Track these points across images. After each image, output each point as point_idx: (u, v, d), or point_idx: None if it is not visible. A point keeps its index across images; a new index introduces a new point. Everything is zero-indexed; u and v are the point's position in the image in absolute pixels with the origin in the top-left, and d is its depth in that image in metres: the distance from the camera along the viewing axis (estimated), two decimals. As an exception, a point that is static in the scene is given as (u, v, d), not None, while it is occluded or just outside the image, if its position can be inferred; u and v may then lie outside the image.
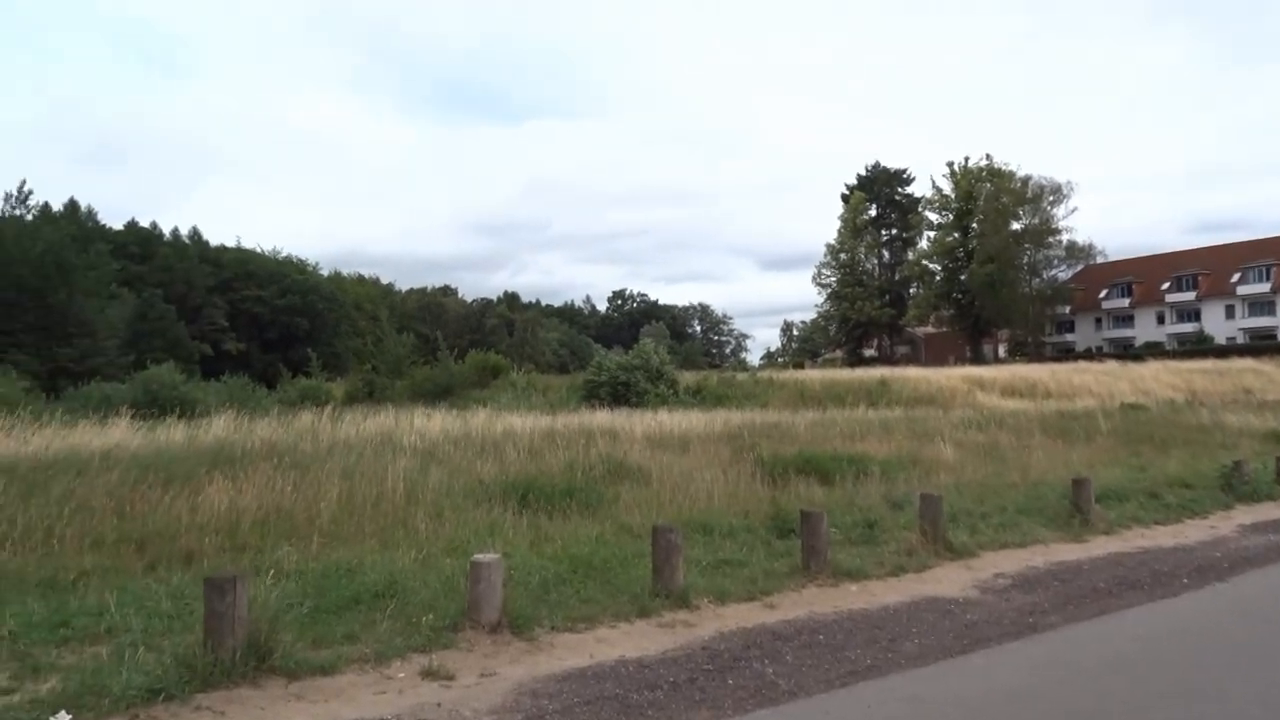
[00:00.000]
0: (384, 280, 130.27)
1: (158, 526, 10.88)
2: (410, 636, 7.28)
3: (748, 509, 12.92)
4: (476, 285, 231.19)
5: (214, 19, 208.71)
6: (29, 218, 75.13)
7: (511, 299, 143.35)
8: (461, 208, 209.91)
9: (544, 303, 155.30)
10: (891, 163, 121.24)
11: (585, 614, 8.08)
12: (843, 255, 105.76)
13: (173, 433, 19.58)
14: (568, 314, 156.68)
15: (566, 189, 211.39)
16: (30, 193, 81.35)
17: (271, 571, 9.29)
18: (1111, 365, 56.96)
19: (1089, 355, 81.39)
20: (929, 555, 10.64)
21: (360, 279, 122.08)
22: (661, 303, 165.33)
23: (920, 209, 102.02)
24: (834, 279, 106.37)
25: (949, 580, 9.87)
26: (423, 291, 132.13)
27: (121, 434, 18.66)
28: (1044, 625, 8.17)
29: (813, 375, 54.12)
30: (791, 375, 53.62)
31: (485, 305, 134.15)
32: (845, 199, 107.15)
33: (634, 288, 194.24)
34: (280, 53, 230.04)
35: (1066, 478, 15.08)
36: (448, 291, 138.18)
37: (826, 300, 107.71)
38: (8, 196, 79.48)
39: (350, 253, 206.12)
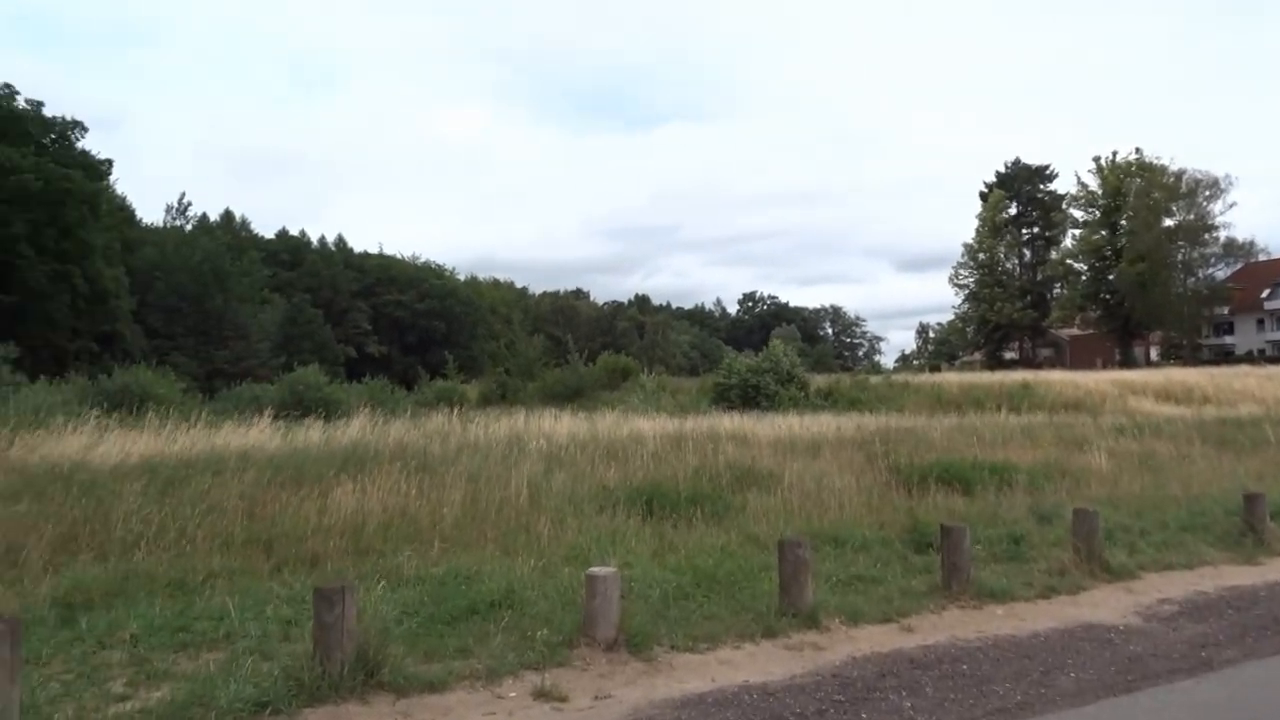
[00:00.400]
0: (518, 284, 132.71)
1: (286, 528, 10.89)
2: (524, 652, 6.93)
3: (882, 520, 12.22)
4: (608, 288, 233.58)
5: (363, 40, 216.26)
6: (188, 228, 78.93)
7: (642, 302, 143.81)
8: (594, 212, 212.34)
9: (674, 305, 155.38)
10: (1032, 159, 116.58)
11: (707, 632, 7.60)
12: (981, 255, 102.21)
13: (310, 433, 19.96)
14: (698, 316, 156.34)
15: (698, 192, 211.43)
16: (189, 204, 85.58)
17: (390, 578, 9.16)
18: (1276, 370, 53.25)
19: (1250, 359, 76.40)
20: (1083, 576, 9.76)
21: (495, 283, 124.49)
22: (792, 305, 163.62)
23: (1064, 206, 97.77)
24: (972, 280, 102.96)
25: (1107, 605, 9.00)
26: (555, 295, 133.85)
27: (261, 434, 19.09)
28: (1220, 661, 7.29)
29: (950, 378, 52.26)
30: (927, 379, 51.91)
31: (616, 308, 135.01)
32: (984, 197, 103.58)
33: (765, 290, 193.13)
34: (424, 70, 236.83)
35: (1233, 492, 13.83)
36: (579, 295, 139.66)
37: (964, 301, 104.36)
38: (169, 208, 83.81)
39: (486, 258, 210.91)
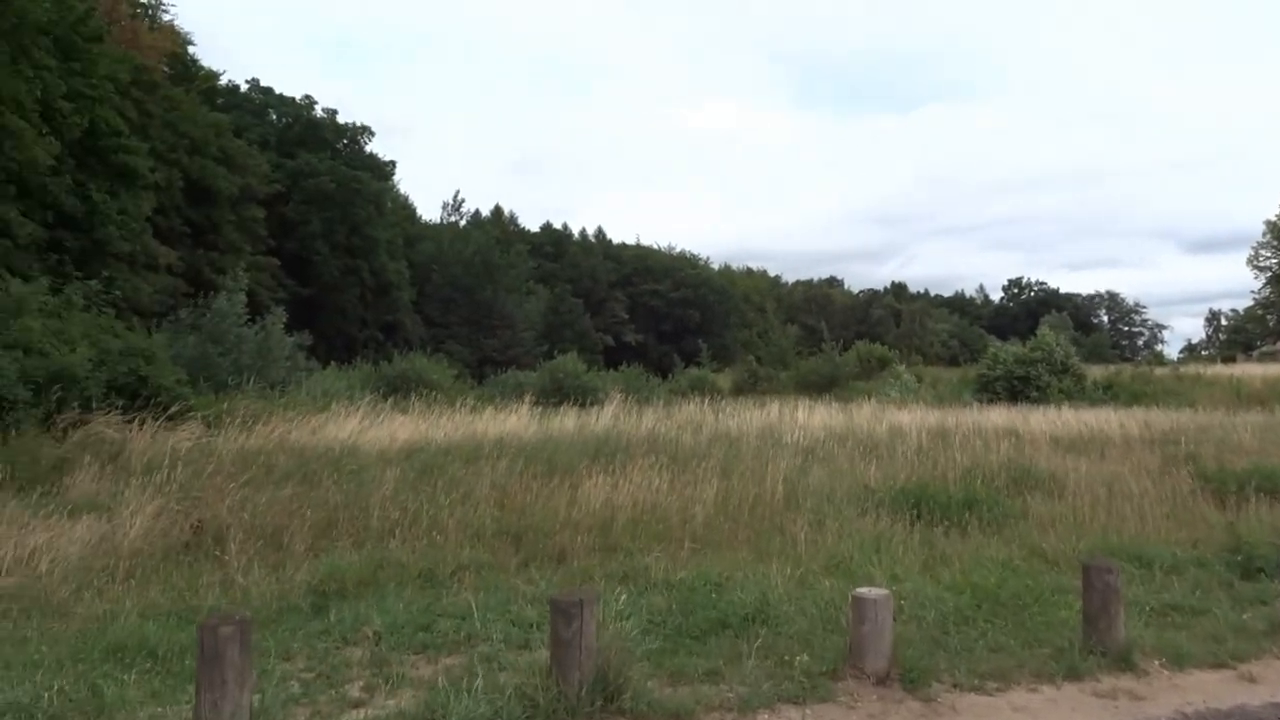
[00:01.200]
0: (771, 273, 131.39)
1: (535, 520, 10.53)
2: (781, 681, 6.05)
3: (1194, 537, 10.44)
4: (863, 276, 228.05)
5: (624, 39, 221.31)
6: (462, 224, 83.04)
7: (899, 289, 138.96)
8: (851, 199, 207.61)
9: (933, 293, 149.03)
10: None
11: (996, 668, 6.43)
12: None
13: (565, 421, 19.91)
14: (958, 304, 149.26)
15: (959, 175, 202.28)
16: (463, 201, 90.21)
17: (637, 580, 8.53)
18: None
19: None
20: None
21: (749, 272, 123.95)
22: (1063, 291, 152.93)
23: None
24: (1275, 261, 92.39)
25: None
26: (809, 283, 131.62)
27: (519, 421, 19.19)
28: None
29: (1251, 370, 46.75)
30: (1222, 370, 46.68)
31: (872, 296, 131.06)
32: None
33: (1031, 275, 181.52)
34: (682, 65, 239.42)
35: None
36: (834, 283, 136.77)
37: (1265, 285, 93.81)
38: (445, 205, 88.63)
39: (740, 247, 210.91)
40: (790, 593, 7.88)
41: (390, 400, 23.28)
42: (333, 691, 5.93)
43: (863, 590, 6.21)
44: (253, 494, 10.74)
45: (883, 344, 62.39)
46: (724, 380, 49.83)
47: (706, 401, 26.81)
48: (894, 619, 6.35)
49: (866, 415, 22.18)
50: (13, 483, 14.74)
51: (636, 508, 11.12)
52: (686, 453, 14.36)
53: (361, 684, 6.05)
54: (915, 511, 11.02)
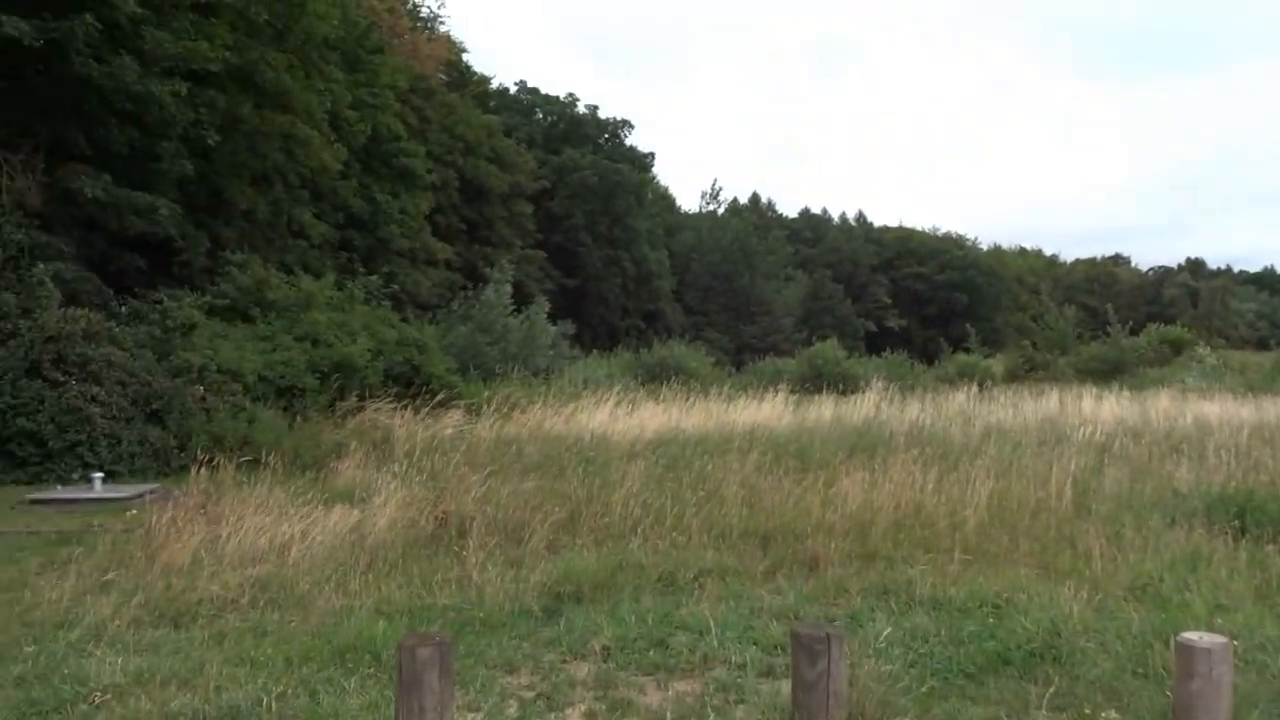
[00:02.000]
0: (1047, 251, 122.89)
1: (785, 521, 9.63)
2: (1081, 744, 4.86)
3: None
4: (1152, 253, 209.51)
5: (884, 12, 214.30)
6: (720, 212, 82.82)
7: (1195, 266, 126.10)
8: (1137, 170, 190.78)
9: (1236, 269, 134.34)
10: None
11: (1376, 743, 4.93)
12: None
13: (821, 410, 18.83)
14: (1267, 280, 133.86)
15: (1265, 138, 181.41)
16: (720, 189, 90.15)
17: (898, 596, 7.45)
18: None
19: None
20: None
21: (1021, 251, 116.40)
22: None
23: None
24: None
25: None
26: (1090, 262, 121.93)
27: (772, 410, 18.30)
28: None
29: None
30: None
31: (1163, 274, 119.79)
32: None
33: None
34: (942, 40, 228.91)
35: None
36: (1119, 260, 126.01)
37: None
38: (703, 194, 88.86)
39: (1012, 225, 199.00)
40: (1087, 623, 6.55)
41: (644, 388, 23.06)
42: (552, 716, 5.31)
43: (1191, 636, 4.87)
44: (498, 485, 10.48)
45: (1179, 325, 56.48)
46: (996, 366, 46.62)
47: (976, 390, 24.85)
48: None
49: (1164, 406, 19.63)
50: (296, 465, 15.49)
51: (898, 510, 9.98)
52: (955, 448, 13.00)
53: (584, 709, 5.39)
54: (1239, 524, 9.20)
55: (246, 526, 8.66)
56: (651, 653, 6.22)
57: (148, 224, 18.15)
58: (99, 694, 5.32)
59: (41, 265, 15.65)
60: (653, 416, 18.07)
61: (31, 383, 14.65)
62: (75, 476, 13.79)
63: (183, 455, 15.66)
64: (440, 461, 12.11)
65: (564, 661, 6.16)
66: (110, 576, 7.94)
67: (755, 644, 6.42)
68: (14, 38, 15.21)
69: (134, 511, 10.40)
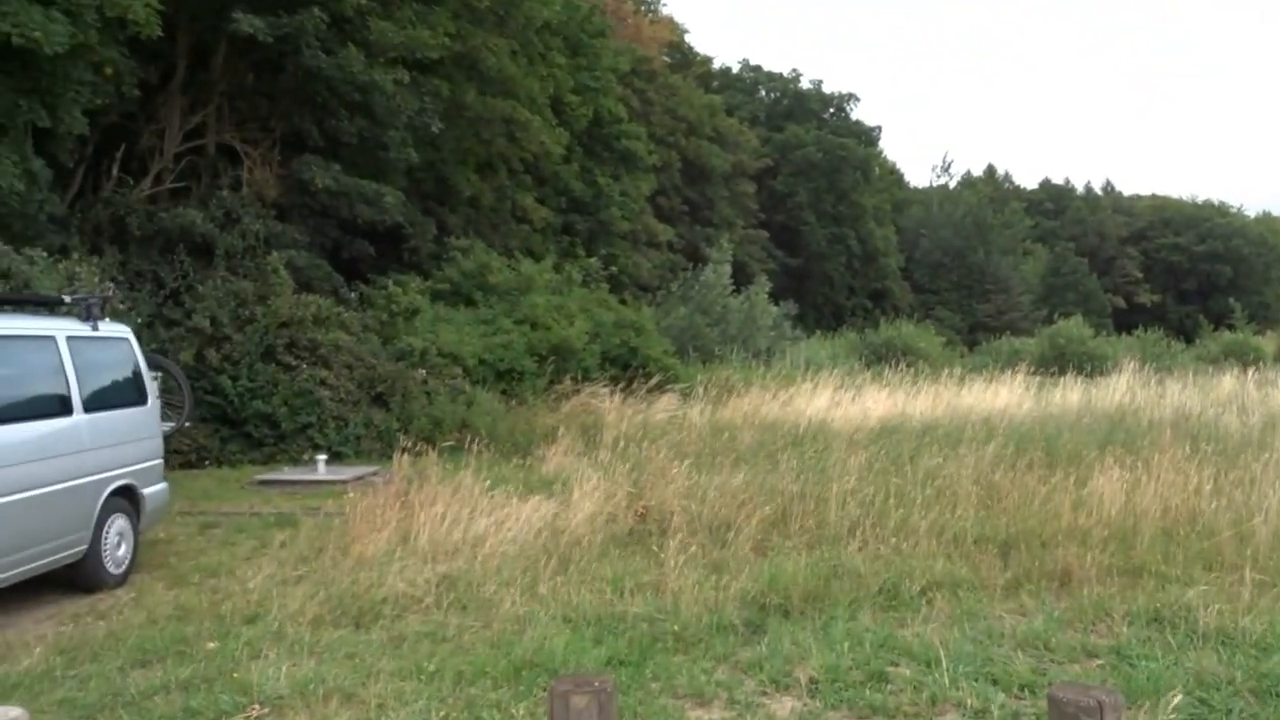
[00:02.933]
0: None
1: (1029, 526, 8.32)
2: None
3: None
4: None
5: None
6: (951, 185, 78.77)
7: None
8: None
9: None
10: None
11: None
12: None
13: (1067, 394, 16.93)
14: None
15: None
16: (952, 162, 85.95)
17: (1174, 626, 6.10)
18: None
19: None
20: None
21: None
22: None
23: None
24: None
25: None
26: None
27: (1010, 395, 16.59)
28: None
29: None
30: None
31: None
32: None
33: None
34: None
35: None
36: None
37: None
38: (933, 168, 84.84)
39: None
40: None
41: (869, 370, 21.69)
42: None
43: None
44: (706, 478, 9.68)
45: None
46: (1267, 345, 41.64)
47: (1248, 371, 21.90)
48: None
49: None
50: (510, 449, 15.33)
51: (1168, 515, 8.45)
52: (1234, 441, 11.08)
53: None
54: None
55: (442, 517, 8.27)
56: (867, 689, 5.23)
57: (376, 212, 18.53)
58: (257, 706, 4.92)
59: (275, 253, 16.18)
60: (877, 401, 16.80)
61: (266, 366, 15.16)
62: (305, 458, 14.10)
63: (405, 438, 15.82)
64: (649, 450, 11.44)
65: (763, 694, 5.28)
66: (303, 570, 7.75)
67: (995, 682, 5.31)
68: (251, 35, 15.73)
69: (351, 494, 10.30)
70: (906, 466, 10.06)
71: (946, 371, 19.81)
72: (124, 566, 8.05)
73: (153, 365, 9.46)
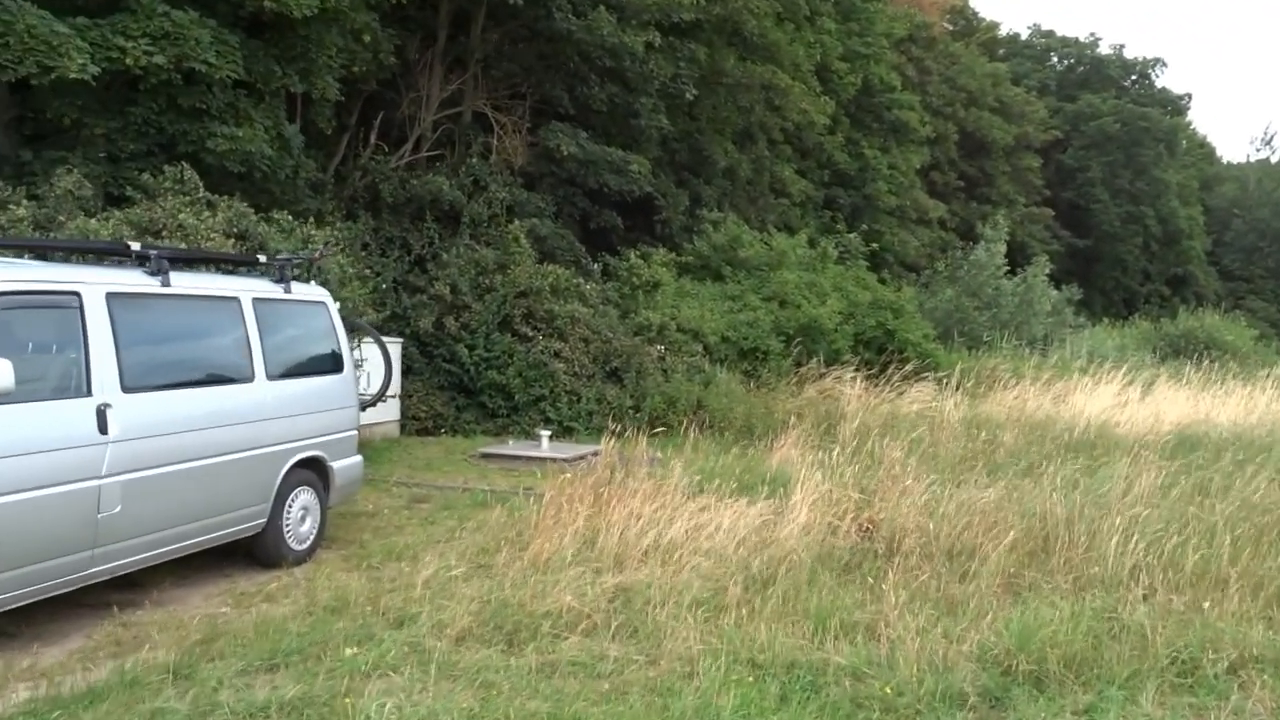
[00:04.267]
0: None
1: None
2: None
3: None
4: None
5: None
6: (1273, 160, 69.28)
7: None
8: None
9: None
10: None
11: None
12: None
13: None
14: None
15: None
16: (1274, 135, 75.59)
17: None
18: None
19: None
20: None
21: None
22: None
23: None
24: None
25: None
26: None
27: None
28: None
29: None
30: None
31: None
32: None
33: None
34: None
35: None
36: None
37: None
38: (1252, 141, 74.85)
39: None
40: None
41: (1165, 365, 18.66)
42: None
43: None
44: (952, 489, 8.04)
45: None
46: None
47: None
48: None
49: None
50: (747, 434, 14.13)
51: None
52: None
53: None
54: None
55: (635, 517, 7.20)
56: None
57: (623, 181, 17.77)
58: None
59: (518, 222, 15.75)
60: (1173, 403, 14.16)
61: (503, 337, 14.75)
62: (540, 431, 13.50)
63: (638, 415, 15.02)
64: (889, 447, 9.87)
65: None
66: (481, 563, 6.93)
67: None
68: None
69: (567, 475, 9.44)
70: (1212, 492, 7.93)
71: (1265, 371, 16.59)
72: (308, 542, 7.56)
73: (353, 331, 8.99)
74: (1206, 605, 5.94)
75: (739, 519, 7.21)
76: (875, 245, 25.46)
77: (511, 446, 12.77)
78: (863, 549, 6.94)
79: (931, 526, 7.02)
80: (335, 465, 7.84)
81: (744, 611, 5.76)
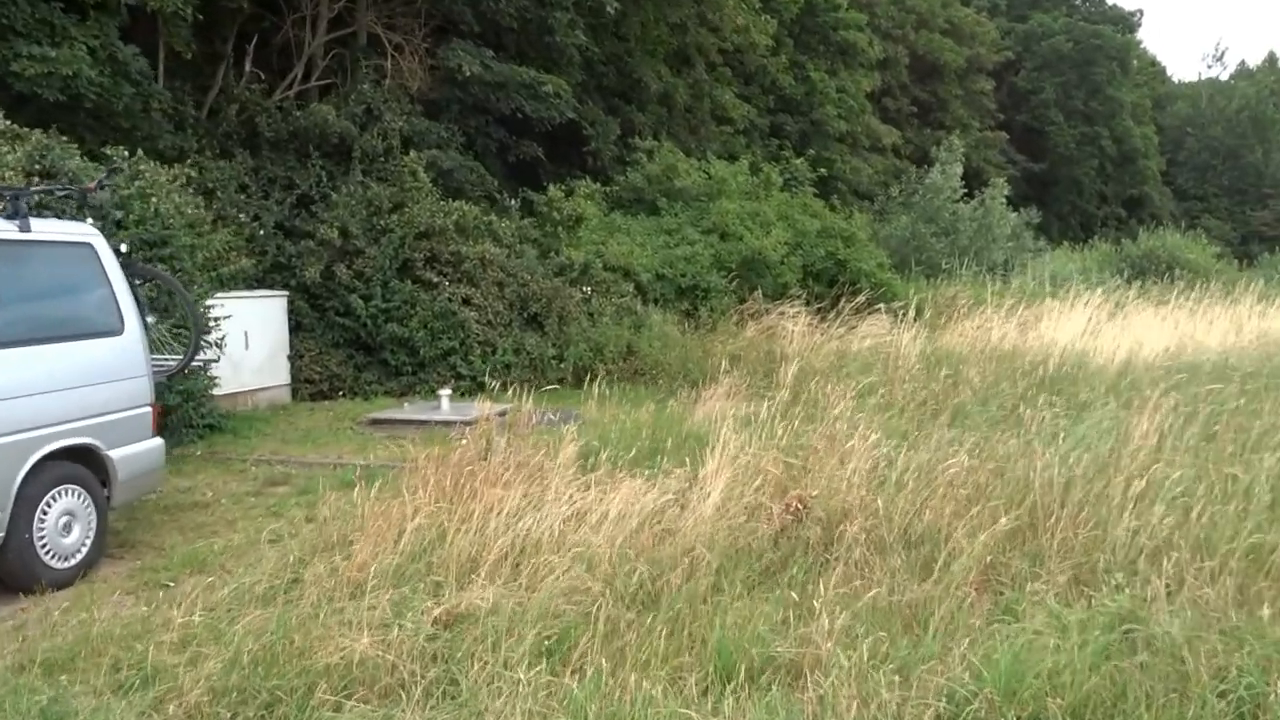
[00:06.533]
0: None
1: None
2: None
3: None
4: None
5: None
6: (1224, 77, 67.85)
7: None
8: None
9: None
10: None
11: None
12: None
13: None
14: None
15: None
16: (1225, 51, 74.20)
17: None
18: None
19: None
20: None
21: None
22: None
23: None
24: None
25: None
26: None
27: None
28: None
29: None
30: None
31: None
32: None
33: None
34: None
35: None
36: None
37: None
38: (1203, 58, 73.32)
39: None
40: None
41: (1136, 286, 17.04)
42: None
43: None
44: (907, 450, 6.26)
45: None
46: None
47: None
48: None
49: None
50: (683, 383, 12.37)
51: None
52: None
53: None
54: None
55: (496, 507, 5.37)
56: None
57: (541, 107, 15.70)
58: None
59: (414, 153, 13.65)
60: (1150, 328, 12.50)
61: (403, 284, 12.75)
62: (440, 392, 11.55)
63: (560, 366, 13.16)
64: (834, 393, 8.09)
65: None
66: (294, 576, 5.10)
67: None
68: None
69: (465, 441, 7.50)
70: (1235, 438, 6.20)
71: (1248, 287, 14.96)
72: (77, 557, 5.67)
73: (143, 279, 7.00)
74: (1263, 601, 4.22)
75: (632, 502, 5.38)
76: (823, 171, 23.50)
77: (406, 410, 10.88)
78: (791, 538, 5.15)
79: (881, 504, 5.23)
80: (115, 454, 5.92)
81: (619, 643, 3.97)
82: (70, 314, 5.84)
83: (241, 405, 11.61)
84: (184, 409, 9.31)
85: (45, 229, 5.76)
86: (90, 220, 6.39)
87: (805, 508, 5.23)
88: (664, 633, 4.09)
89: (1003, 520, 4.88)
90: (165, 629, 4.54)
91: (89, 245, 5.98)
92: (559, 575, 4.63)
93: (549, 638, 4.06)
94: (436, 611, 4.37)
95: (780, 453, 6.07)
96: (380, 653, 3.98)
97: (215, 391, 10.36)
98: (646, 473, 5.99)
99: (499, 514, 5.32)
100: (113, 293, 6.04)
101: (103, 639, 4.55)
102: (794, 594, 4.36)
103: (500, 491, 5.49)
